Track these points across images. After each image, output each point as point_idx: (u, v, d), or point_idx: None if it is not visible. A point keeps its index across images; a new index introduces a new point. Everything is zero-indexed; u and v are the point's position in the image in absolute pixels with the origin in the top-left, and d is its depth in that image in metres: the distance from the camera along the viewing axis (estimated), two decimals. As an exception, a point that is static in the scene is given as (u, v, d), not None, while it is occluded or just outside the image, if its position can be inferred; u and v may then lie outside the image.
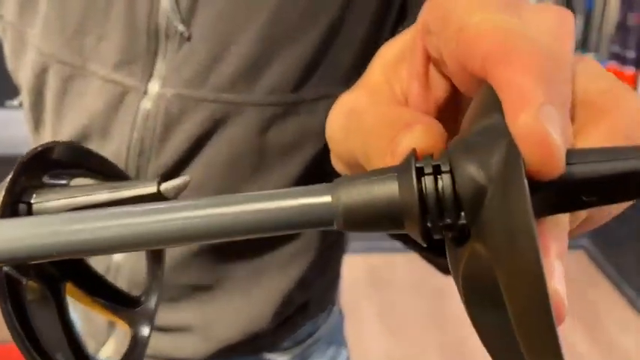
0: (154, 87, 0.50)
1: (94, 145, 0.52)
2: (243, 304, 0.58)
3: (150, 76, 0.50)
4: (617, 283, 2.32)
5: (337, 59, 0.49)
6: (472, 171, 0.18)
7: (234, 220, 0.20)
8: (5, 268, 0.25)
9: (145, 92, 0.50)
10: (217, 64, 0.48)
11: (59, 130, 0.54)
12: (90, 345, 0.58)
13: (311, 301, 0.65)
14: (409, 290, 2.35)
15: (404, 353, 2.02)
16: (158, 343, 0.57)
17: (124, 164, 0.51)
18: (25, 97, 0.56)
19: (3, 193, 0.24)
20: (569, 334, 2.07)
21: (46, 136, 0.56)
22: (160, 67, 0.50)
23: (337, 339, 0.74)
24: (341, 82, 0.50)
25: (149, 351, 0.56)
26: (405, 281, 2.40)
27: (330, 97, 0.48)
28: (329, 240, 0.60)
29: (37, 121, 0.56)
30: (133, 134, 0.51)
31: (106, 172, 0.30)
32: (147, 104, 0.50)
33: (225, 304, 0.57)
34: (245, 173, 0.51)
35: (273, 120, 0.49)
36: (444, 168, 0.19)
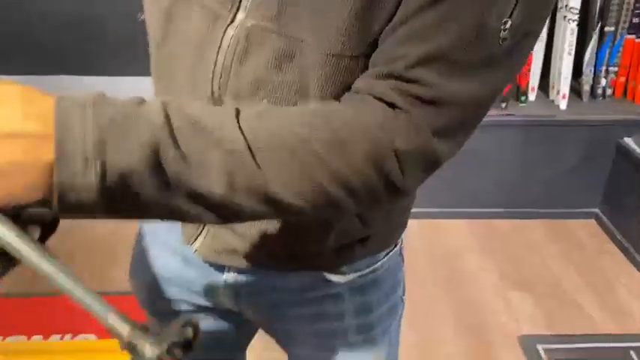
0: (239, 17, 0.57)
1: (189, 65, 0.60)
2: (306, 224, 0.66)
3: (237, 7, 0.57)
4: (627, 250, 2.34)
5: (368, 26, 0.53)
6: None
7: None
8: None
9: (232, 20, 0.57)
10: (292, 7, 0.55)
11: (165, 49, 0.63)
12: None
13: (371, 238, 0.73)
14: (420, 254, 2.39)
15: (415, 314, 2.06)
16: (233, 244, 0.67)
17: (210, 83, 0.59)
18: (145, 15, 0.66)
19: None
20: (580, 300, 2.11)
21: (154, 53, 0.66)
22: (246, 1, 0.57)
23: (395, 277, 0.84)
24: (367, 47, 0.54)
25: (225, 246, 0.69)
26: (417, 246, 2.45)
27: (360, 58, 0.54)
28: None
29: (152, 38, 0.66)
30: (218, 57, 0.58)
31: None
32: (231, 31, 0.57)
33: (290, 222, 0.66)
34: (308, 100, 0.56)
35: (334, 59, 0.54)
36: None
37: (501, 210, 2.61)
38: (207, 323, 0.82)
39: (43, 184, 0.38)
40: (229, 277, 0.74)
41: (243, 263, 0.70)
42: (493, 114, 2.48)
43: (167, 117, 0.41)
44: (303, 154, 0.46)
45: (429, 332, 1.98)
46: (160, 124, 0.40)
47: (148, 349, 0.43)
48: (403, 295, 0.88)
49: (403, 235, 0.84)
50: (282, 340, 0.84)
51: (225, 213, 0.45)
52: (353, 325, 0.78)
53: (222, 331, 0.86)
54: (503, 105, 2.46)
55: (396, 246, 0.82)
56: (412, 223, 2.72)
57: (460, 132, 0.55)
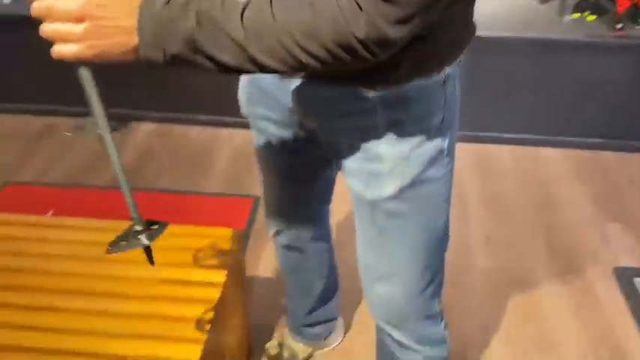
0: None
1: None
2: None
3: None
4: None
5: None
6: None
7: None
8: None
9: None
10: None
11: None
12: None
13: (402, 64, 0.80)
14: (515, 180, 2.32)
15: (506, 238, 2.02)
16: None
17: None
18: None
19: None
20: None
21: None
22: None
23: (429, 104, 0.87)
24: None
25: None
26: (511, 172, 2.37)
27: None
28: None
29: None
30: None
31: None
32: None
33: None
34: None
35: None
36: None
37: (607, 141, 2.46)
38: (284, 137, 1.06)
39: (132, 55, 0.68)
40: (295, 90, 0.91)
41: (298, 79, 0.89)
42: (607, 35, 2.31)
43: (198, 21, 0.66)
44: (283, 38, 0.66)
45: (519, 257, 1.95)
46: (193, 26, 0.66)
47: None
48: (445, 141, 0.91)
49: (450, 71, 0.87)
50: (335, 154, 0.97)
51: (234, 68, 0.69)
52: (385, 139, 0.88)
53: (297, 148, 1.07)
54: (619, 26, 2.27)
55: (433, 77, 0.85)
56: (506, 150, 2.65)
57: (416, 19, 0.67)
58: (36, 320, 1.13)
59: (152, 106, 2.67)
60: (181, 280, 1.23)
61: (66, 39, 0.64)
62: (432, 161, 0.90)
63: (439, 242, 1.00)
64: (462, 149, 2.28)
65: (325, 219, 1.35)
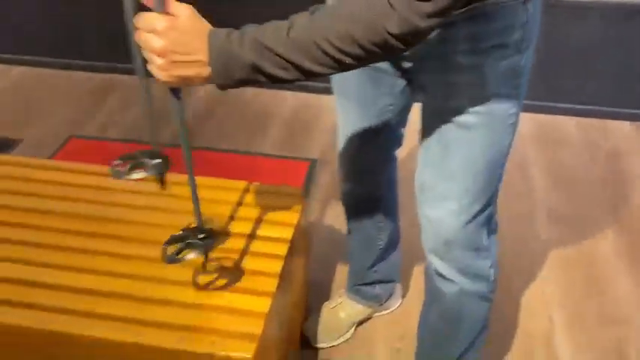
0: None
1: None
2: None
3: None
4: None
5: None
6: None
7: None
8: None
9: None
10: None
11: None
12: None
13: None
14: (581, 152, 2.24)
15: (570, 212, 1.96)
16: None
17: None
18: None
19: None
20: None
21: None
22: None
23: (508, 22, 0.90)
24: None
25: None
26: (576, 143, 2.29)
27: None
28: None
29: None
30: None
31: None
32: None
33: None
34: None
35: None
36: None
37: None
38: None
39: (208, 81, 0.80)
40: None
41: None
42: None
43: (254, 50, 0.76)
44: (326, 47, 0.75)
45: (584, 231, 1.89)
46: (251, 55, 0.77)
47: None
48: (521, 60, 0.95)
49: None
50: (412, 66, 1.02)
51: (291, 79, 0.79)
52: (464, 50, 0.92)
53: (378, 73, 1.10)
54: None
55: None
56: (574, 121, 2.58)
57: (448, 10, 0.72)
58: (108, 265, 1.16)
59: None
60: (252, 234, 1.23)
61: (153, 65, 0.79)
62: (507, 77, 0.94)
63: (499, 167, 1.03)
64: (527, 119, 2.25)
65: (394, 164, 1.36)
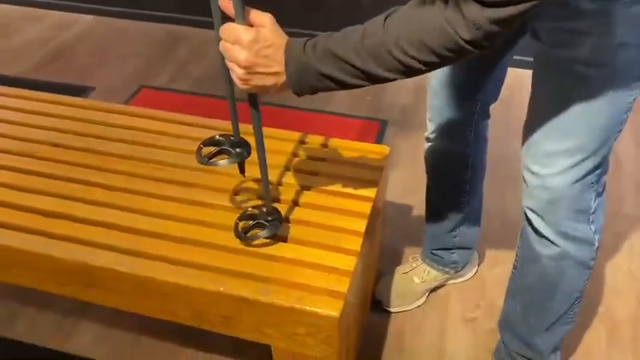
0: None
1: None
2: None
3: None
4: None
5: None
6: None
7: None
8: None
9: None
10: None
11: None
12: None
13: None
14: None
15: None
16: None
17: None
18: None
19: None
20: None
21: None
22: None
23: None
24: None
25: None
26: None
27: None
28: None
29: None
30: None
31: None
32: None
33: None
34: None
35: None
36: None
37: None
38: None
39: (284, 91, 0.85)
40: None
41: None
42: None
43: (326, 59, 0.80)
44: (397, 54, 0.77)
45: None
46: (323, 64, 0.81)
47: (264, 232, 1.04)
48: None
49: None
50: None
51: (361, 85, 0.84)
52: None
53: None
54: None
55: None
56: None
57: (516, 19, 0.71)
58: (180, 212, 1.14)
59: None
60: (334, 191, 1.19)
61: (234, 74, 0.83)
62: (636, 24, 0.85)
63: (618, 124, 0.96)
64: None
65: (487, 121, 1.29)
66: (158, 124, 1.39)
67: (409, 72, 0.78)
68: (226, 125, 1.37)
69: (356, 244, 1.07)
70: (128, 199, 1.17)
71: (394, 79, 0.80)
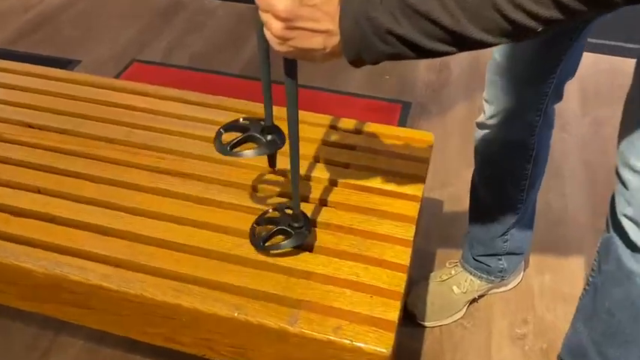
0: None
1: None
2: None
3: None
4: None
5: None
6: None
7: None
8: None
9: None
10: None
11: None
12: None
13: None
14: None
15: None
16: None
17: None
18: None
19: None
20: None
21: None
22: None
23: None
24: None
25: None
26: None
27: None
28: None
29: None
30: None
31: None
32: None
33: None
34: None
35: None
36: None
37: None
38: None
39: (334, 57, 0.65)
40: None
41: None
42: None
43: (400, 13, 0.58)
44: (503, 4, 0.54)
45: None
46: (395, 20, 0.58)
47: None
48: None
49: None
50: None
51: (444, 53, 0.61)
52: None
53: None
54: None
55: None
56: None
57: None
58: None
59: None
60: (377, 188, 0.97)
61: (271, 30, 0.62)
62: None
63: None
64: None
65: (557, 103, 1.07)
66: (157, 103, 1.16)
67: (514, 34, 0.56)
68: (243, 106, 1.15)
69: (403, 256, 0.86)
70: (119, 194, 0.95)
71: (489, 45, 0.58)
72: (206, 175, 0.99)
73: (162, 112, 1.14)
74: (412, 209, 0.93)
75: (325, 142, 1.06)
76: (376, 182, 0.97)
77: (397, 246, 0.87)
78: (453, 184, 1.63)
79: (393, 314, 0.78)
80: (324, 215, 0.92)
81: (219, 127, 0.82)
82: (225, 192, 0.95)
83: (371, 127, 1.09)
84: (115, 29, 2.31)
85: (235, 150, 0.79)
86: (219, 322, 0.79)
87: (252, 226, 0.87)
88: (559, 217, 1.53)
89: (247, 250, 0.86)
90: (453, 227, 1.47)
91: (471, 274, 1.27)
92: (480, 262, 1.24)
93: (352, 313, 0.78)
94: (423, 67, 2.10)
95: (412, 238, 0.89)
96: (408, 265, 0.85)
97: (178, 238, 0.88)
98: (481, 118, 1.08)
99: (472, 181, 1.20)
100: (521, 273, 1.35)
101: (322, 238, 0.88)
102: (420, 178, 0.99)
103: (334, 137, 1.07)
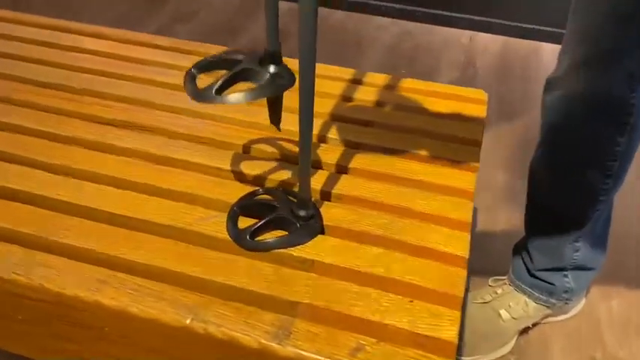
0: None
1: None
2: None
3: None
4: None
5: None
6: None
7: None
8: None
9: None
10: None
11: None
12: None
13: None
14: None
15: None
16: None
17: None
18: None
19: None
20: None
21: None
22: None
23: None
24: None
25: None
26: None
27: None
28: None
29: None
30: None
31: None
32: None
33: None
34: None
35: None
36: None
37: None
38: None
39: None
40: None
41: None
42: None
43: None
44: None
45: None
46: None
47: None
48: None
49: None
50: None
51: None
52: None
53: None
54: None
55: None
56: None
57: None
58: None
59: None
60: (431, 131, 0.69)
61: None
62: None
63: None
64: None
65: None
66: (115, 46, 0.88)
67: None
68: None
69: (459, 243, 0.56)
70: (50, 150, 0.66)
71: None
72: (168, 129, 0.70)
73: (117, 55, 0.85)
74: (467, 180, 0.63)
75: (346, 98, 0.77)
76: (412, 145, 0.68)
77: (446, 229, 0.57)
78: (486, 188, 1.33)
79: (450, 331, 0.48)
80: (338, 185, 0.62)
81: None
82: (192, 149, 0.66)
83: (407, 82, 0.80)
84: (99, 15, 2.06)
85: (221, 93, 0.49)
86: (162, 334, 0.49)
87: (233, 210, 0.58)
88: (626, 231, 1.22)
89: (218, 226, 0.56)
90: (490, 239, 1.17)
91: (525, 294, 0.95)
92: (540, 278, 0.93)
93: (381, 326, 0.48)
94: (444, 64, 1.84)
95: (470, 220, 0.59)
96: (468, 256, 0.55)
97: (114, 207, 0.58)
98: (556, 72, 0.78)
99: (530, 169, 0.90)
100: (584, 298, 1.04)
101: (333, 213, 0.58)
102: (473, 142, 0.69)
103: (361, 94, 0.78)
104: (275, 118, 0.55)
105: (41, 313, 0.53)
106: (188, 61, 0.83)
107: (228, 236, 0.55)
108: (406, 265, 0.53)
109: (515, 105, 1.61)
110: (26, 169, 0.63)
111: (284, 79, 0.50)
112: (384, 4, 2.04)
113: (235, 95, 0.48)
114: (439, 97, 0.77)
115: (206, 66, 0.51)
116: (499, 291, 0.97)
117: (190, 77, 0.50)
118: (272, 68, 0.50)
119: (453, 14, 1.95)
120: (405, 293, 0.50)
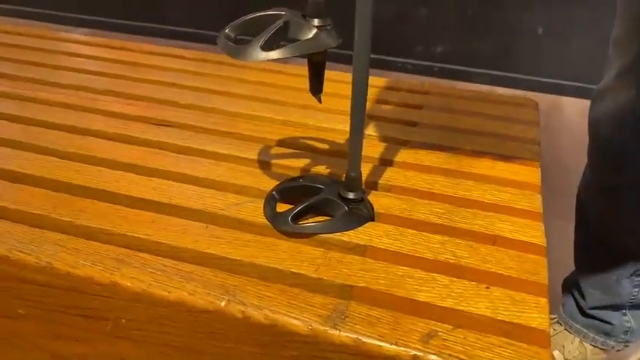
0: None
1: None
2: None
3: None
4: None
5: None
6: None
7: None
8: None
9: None
10: None
11: None
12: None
13: None
14: None
15: None
16: None
17: None
18: None
19: None
20: None
21: None
22: None
23: None
24: None
25: None
26: None
27: None
28: None
29: None
30: None
31: None
32: None
33: None
34: None
35: None
36: None
37: None
38: None
39: None
40: None
41: None
42: None
43: None
44: None
45: None
46: None
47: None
48: None
49: None
50: None
51: None
52: None
53: None
54: None
55: None
56: None
57: None
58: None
59: None
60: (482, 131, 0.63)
61: None
62: None
63: None
64: None
65: None
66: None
67: None
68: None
69: (534, 231, 0.48)
70: (79, 141, 0.60)
71: None
72: (195, 125, 0.64)
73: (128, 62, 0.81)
74: (531, 174, 0.56)
75: (389, 102, 0.72)
76: (463, 143, 0.62)
77: (516, 218, 0.50)
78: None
79: (541, 318, 0.39)
80: (386, 176, 0.55)
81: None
82: (222, 142, 0.60)
83: (446, 87, 0.75)
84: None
85: (264, 54, 0.42)
86: (191, 322, 0.41)
87: (271, 194, 0.51)
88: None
89: (255, 210, 0.49)
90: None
91: (579, 334, 0.85)
92: (596, 317, 0.83)
93: (455, 312, 0.40)
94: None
95: (542, 210, 0.51)
96: (545, 245, 0.47)
97: (135, 191, 0.51)
98: (604, 83, 0.73)
99: (578, 197, 0.82)
100: (641, 343, 0.93)
101: (384, 202, 0.51)
102: (531, 140, 0.63)
103: (395, 97, 0.73)
104: (316, 85, 0.49)
105: (46, 304, 0.45)
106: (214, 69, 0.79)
107: (265, 220, 0.48)
108: (477, 252, 0.45)
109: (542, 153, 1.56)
110: (39, 156, 0.57)
111: (329, 33, 0.44)
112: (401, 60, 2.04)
113: (279, 50, 0.42)
114: (485, 100, 0.72)
115: (240, 27, 0.46)
116: (551, 331, 0.87)
117: (225, 37, 0.45)
118: (316, 22, 0.44)
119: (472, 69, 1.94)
120: (479, 280, 0.42)
